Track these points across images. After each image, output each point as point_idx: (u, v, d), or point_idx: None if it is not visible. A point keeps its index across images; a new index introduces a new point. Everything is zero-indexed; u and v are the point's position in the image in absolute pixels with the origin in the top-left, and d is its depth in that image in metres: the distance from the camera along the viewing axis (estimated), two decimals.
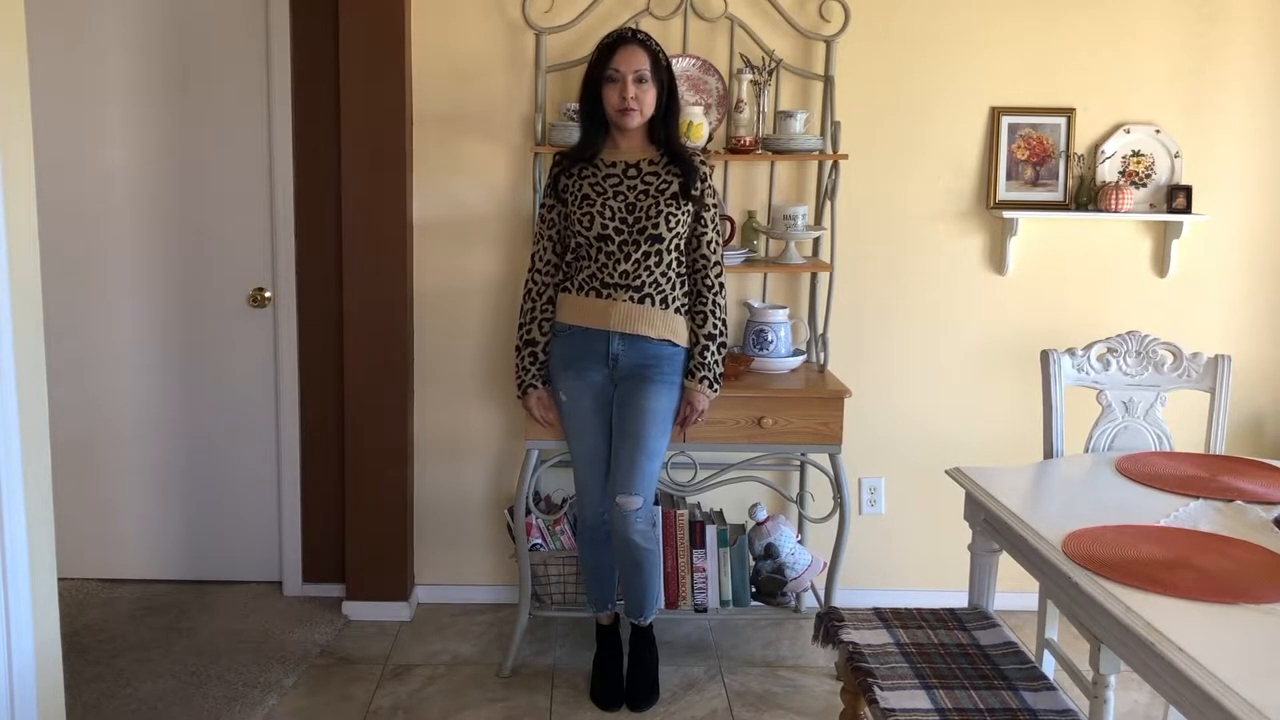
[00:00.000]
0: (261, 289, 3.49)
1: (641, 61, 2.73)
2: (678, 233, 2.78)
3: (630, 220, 2.76)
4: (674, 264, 2.81)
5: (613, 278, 2.78)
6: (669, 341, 2.82)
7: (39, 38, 2.93)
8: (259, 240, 3.48)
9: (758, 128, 3.30)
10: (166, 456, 3.60)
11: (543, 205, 2.92)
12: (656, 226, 2.75)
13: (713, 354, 2.84)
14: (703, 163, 2.84)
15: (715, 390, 2.87)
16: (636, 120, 2.76)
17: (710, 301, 2.84)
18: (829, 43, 3.31)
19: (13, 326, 1.94)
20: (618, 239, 2.77)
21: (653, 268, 2.78)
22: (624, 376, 2.84)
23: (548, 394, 2.93)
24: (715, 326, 2.84)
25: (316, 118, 3.38)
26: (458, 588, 3.59)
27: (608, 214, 2.77)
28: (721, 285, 2.86)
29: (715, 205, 2.86)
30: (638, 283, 2.78)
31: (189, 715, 2.83)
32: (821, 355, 3.39)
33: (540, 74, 3.28)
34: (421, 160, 3.39)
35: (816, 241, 3.41)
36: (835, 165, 3.28)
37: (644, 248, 2.76)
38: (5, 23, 1.94)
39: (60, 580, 2.21)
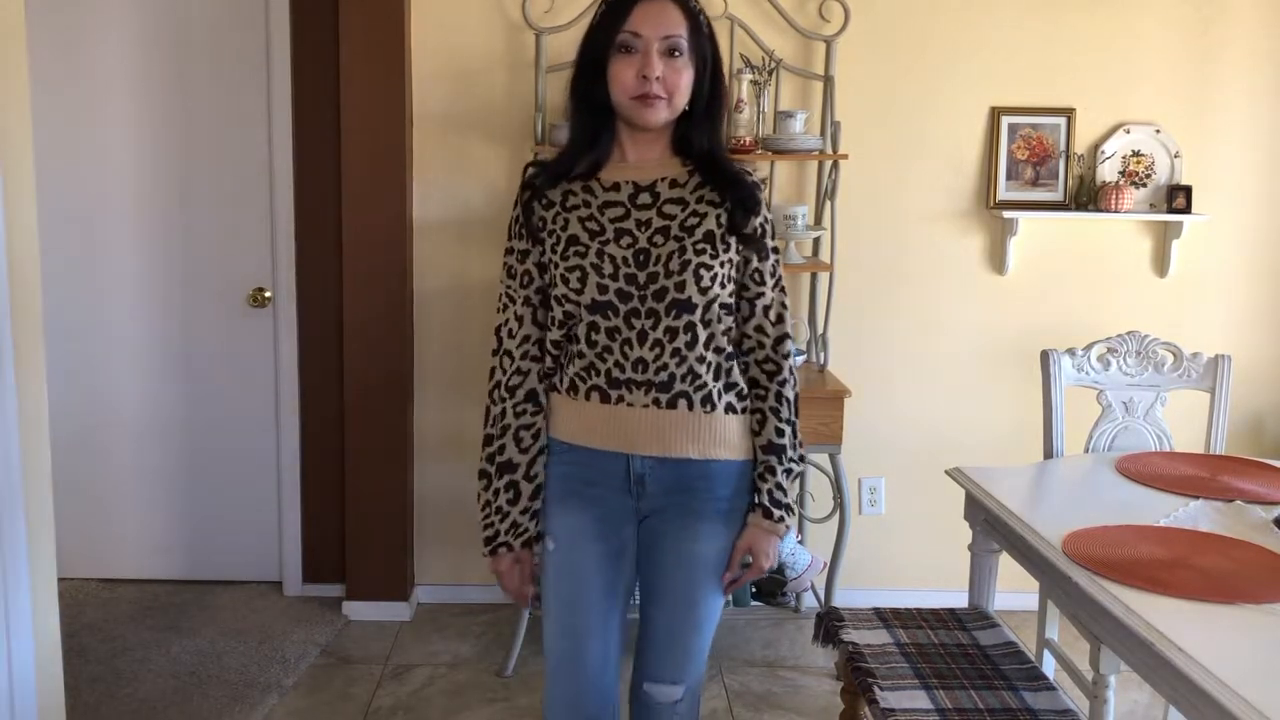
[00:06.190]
0: (261, 289, 3.49)
1: (675, 24, 1.71)
2: (716, 294, 1.75)
3: (642, 278, 1.74)
4: (718, 337, 1.78)
5: (623, 372, 1.76)
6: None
7: (39, 37, 2.93)
8: (259, 240, 3.48)
9: (758, 128, 3.29)
10: (166, 456, 3.59)
11: (509, 251, 1.84)
12: (682, 288, 1.73)
13: (778, 474, 1.83)
14: (756, 182, 1.81)
15: (785, 526, 1.83)
16: (663, 114, 1.74)
17: (773, 395, 1.84)
18: (829, 43, 3.31)
19: (13, 326, 1.94)
20: (624, 308, 1.74)
21: (684, 351, 1.75)
22: (655, 507, 1.83)
23: (530, 559, 1.92)
24: (781, 432, 1.84)
25: (316, 118, 3.38)
26: (458, 588, 3.59)
27: (607, 268, 1.74)
28: (792, 371, 1.85)
29: (776, 251, 1.84)
30: (663, 377, 1.75)
31: (189, 715, 2.83)
32: (821, 355, 3.39)
33: (540, 74, 3.28)
34: (421, 160, 3.40)
35: (816, 241, 3.41)
36: (835, 165, 3.28)
37: (666, 321, 1.74)
38: (5, 23, 1.94)
39: (60, 580, 2.22)
